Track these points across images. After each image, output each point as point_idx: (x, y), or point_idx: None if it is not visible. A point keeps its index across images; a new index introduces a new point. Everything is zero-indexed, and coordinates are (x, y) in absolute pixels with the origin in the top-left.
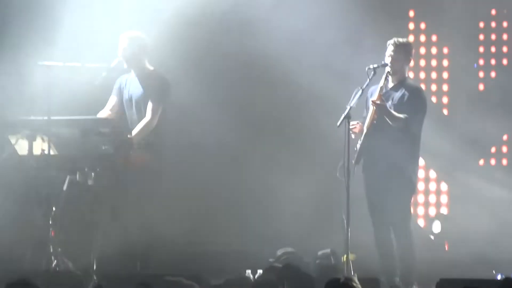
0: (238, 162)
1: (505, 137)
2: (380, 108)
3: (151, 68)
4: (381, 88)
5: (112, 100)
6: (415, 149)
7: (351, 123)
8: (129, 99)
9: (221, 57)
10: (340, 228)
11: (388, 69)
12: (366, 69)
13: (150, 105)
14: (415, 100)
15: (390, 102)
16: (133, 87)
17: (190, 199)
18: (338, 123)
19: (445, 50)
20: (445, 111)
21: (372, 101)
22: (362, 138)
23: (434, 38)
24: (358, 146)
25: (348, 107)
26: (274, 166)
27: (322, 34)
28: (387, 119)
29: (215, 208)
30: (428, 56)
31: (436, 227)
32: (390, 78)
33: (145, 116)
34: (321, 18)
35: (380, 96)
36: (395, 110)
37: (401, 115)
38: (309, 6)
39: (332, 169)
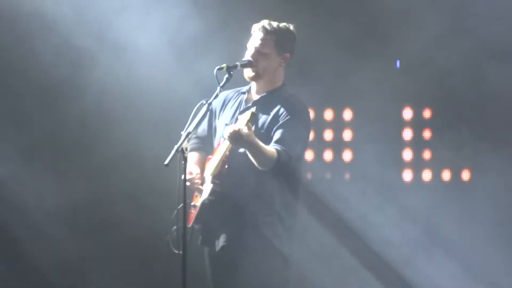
0: None
1: None
2: (243, 143)
3: None
4: (252, 115)
5: None
6: (292, 205)
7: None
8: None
9: None
10: None
11: (249, 72)
12: (215, 71)
13: None
14: (295, 121)
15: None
16: None
17: None
18: (167, 161)
19: None
20: None
21: (230, 132)
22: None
23: None
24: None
25: (184, 134)
26: None
27: None
28: (252, 159)
29: None
30: None
31: None
32: (253, 86)
33: None
34: None
35: (248, 124)
36: (263, 140)
37: (271, 148)
38: None
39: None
